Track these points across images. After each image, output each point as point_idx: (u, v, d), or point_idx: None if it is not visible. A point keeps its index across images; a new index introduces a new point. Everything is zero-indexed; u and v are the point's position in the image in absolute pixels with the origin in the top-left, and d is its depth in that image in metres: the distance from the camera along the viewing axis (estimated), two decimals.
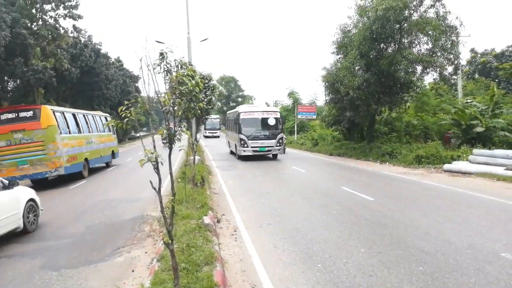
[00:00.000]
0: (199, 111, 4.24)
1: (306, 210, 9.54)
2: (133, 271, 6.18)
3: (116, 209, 10.88)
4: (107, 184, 16.15)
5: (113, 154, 23.76)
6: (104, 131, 21.89)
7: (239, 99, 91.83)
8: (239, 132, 22.54)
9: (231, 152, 26.89)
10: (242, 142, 22.29)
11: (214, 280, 4.81)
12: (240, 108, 25.43)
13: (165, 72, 4.55)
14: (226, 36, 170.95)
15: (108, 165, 23.13)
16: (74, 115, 18.48)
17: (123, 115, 4.10)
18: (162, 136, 4.44)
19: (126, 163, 24.55)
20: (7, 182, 8.52)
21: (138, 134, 64.07)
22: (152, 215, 9.58)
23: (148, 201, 10.79)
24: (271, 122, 22.93)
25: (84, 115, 19.83)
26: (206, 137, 53.32)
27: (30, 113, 15.11)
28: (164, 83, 4.62)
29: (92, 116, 21.17)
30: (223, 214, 9.39)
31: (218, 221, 8.65)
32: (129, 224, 9.16)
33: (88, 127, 19.56)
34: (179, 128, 4.37)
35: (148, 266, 6.10)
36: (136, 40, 4.16)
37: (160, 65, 4.50)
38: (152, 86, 4.28)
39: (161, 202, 4.09)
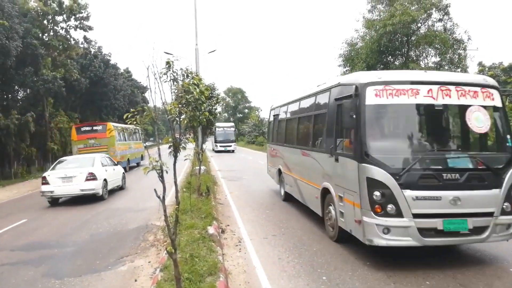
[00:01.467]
0: (204, 120, 4.22)
1: (309, 222, 9.44)
2: (136, 280, 6.14)
3: (121, 218, 10.87)
4: (112, 193, 16.15)
5: (142, 157, 29.58)
6: (137, 140, 29.22)
7: (246, 110, 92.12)
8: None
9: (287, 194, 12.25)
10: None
11: None
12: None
13: (171, 80, 4.58)
14: (234, 48, 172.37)
15: (138, 164, 28.80)
16: (122, 128, 25.55)
17: (128, 122, 4.11)
18: (168, 145, 4.45)
19: (132, 172, 24.60)
20: (115, 162, 16.56)
21: (145, 144, 64.38)
22: (156, 225, 9.55)
23: (153, 211, 10.77)
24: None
25: (126, 128, 25.78)
26: (217, 151, 43.63)
27: (100, 127, 23.01)
28: (171, 92, 4.65)
29: (127, 128, 26.12)
30: (228, 225, 9.33)
31: (223, 232, 8.60)
32: (133, 234, 9.14)
33: (128, 136, 26.23)
34: (185, 137, 4.37)
35: (151, 276, 6.05)
36: (145, 51, 4.20)
37: (166, 74, 4.53)
38: (159, 94, 4.31)
39: (165, 211, 4.07)
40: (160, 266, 5.94)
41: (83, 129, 23.02)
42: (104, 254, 7.66)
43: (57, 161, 15.15)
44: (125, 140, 25.75)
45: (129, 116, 4.21)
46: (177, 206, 4.25)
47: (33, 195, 17.23)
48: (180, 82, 4.61)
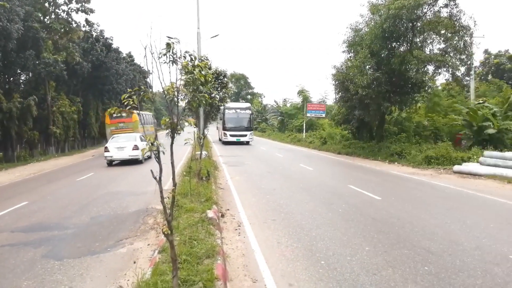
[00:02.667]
0: (203, 102, 4.14)
1: (311, 208, 9.43)
2: (134, 262, 6.15)
3: (121, 202, 10.89)
4: (113, 177, 16.20)
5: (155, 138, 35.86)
6: (151, 124, 35.10)
7: (249, 97, 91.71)
8: None
9: None
10: None
11: (215, 273, 4.75)
12: None
13: (170, 62, 4.48)
14: (237, 33, 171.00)
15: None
16: (142, 114, 29.05)
17: (125, 103, 4.04)
18: (165, 126, 4.38)
19: None
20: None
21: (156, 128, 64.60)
22: (156, 208, 9.56)
23: (153, 195, 10.76)
24: None
25: (145, 115, 33.67)
26: (225, 143, 35.18)
27: (125, 114, 25.96)
28: (169, 73, 4.56)
29: (146, 115, 36.16)
30: (228, 209, 9.33)
31: (223, 216, 8.60)
32: (133, 217, 9.16)
33: (146, 121, 31.98)
34: (182, 118, 4.30)
35: (150, 258, 6.06)
36: (146, 34, 4.10)
37: (166, 55, 4.43)
38: (158, 76, 4.23)
39: (161, 191, 4.03)
40: (159, 248, 5.94)
41: (114, 115, 28.25)
42: (104, 237, 7.68)
43: (111, 138, 22.51)
44: (144, 124, 29.80)
45: (126, 96, 4.14)
46: (173, 188, 4.21)
47: (35, 178, 17.31)
48: (180, 64, 4.51)
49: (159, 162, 3.97)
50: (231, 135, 34.88)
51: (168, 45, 4.37)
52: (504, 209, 9.19)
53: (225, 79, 13.16)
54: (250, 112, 37.04)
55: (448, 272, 5.32)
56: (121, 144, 20.26)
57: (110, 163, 20.53)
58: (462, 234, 7.08)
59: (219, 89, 13.16)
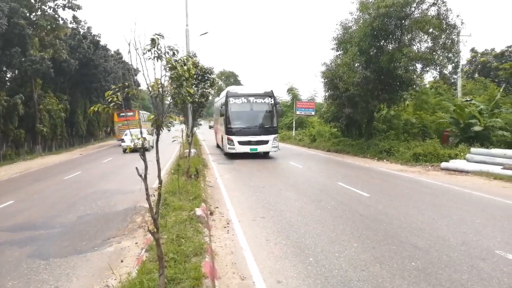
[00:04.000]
0: (188, 98, 4.11)
1: (300, 205, 9.44)
2: (122, 261, 6.10)
3: (109, 200, 10.79)
4: (101, 176, 16.03)
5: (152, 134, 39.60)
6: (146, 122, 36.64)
7: None
8: None
9: None
10: None
11: (202, 271, 4.72)
12: None
13: (155, 58, 4.42)
14: (226, 31, 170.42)
15: None
16: (141, 113, 37.09)
17: (109, 99, 3.98)
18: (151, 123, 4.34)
19: (121, 156, 24.43)
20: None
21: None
22: (144, 207, 9.46)
23: (142, 193, 10.64)
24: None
25: (143, 113, 38.85)
26: (232, 155, 20.84)
27: (131, 113, 36.07)
28: (154, 69, 4.49)
29: (144, 113, 39.78)
30: (217, 207, 9.30)
31: (211, 214, 8.56)
32: (121, 215, 9.07)
33: (144, 119, 35.30)
34: (168, 114, 4.25)
35: (137, 257, 6.00)
36: (133, 30, 4.03)
37: (150, 51, 4.37)
38: (142, 72, 4.18)
39: (146, 189, 3.99)
40: (146, 247, 5.89)
41: (121, 114, 34.75)
42: (91, 236, 7.60)
43: (125, 132, 27.98)
44: (144, 121, 33.53)
45: (110, 93, 4.07)
46: (159, 185, 4.16)
47: (21, 177, 17.05)
48: (165, 60, 4.46)
49: (144, 159, 3.92)
50: (240, 142, 19.83)
51: (152, 40, 4.31)
52: (490, 205, 9.31)
53: (211, 76, 13.00)
54: (273, 102, 20.76)
55: (435, 268, 5.37)
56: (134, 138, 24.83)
57: (125, 151, 22.91)
58: (448, 230, 7.15)
59: (203, 85, 12.87)
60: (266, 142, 20.09)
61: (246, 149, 19.91)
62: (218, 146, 27.14)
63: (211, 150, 25.98)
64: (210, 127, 69.75)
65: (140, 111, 37.56)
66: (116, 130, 36.71)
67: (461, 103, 21.74)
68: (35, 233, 8.01)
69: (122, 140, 26.06)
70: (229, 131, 20.18)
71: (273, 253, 6.14)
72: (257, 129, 20.24)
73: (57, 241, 7.44)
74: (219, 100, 25.46)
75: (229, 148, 20.21)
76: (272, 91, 21.22)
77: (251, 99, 20.70)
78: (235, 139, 19.91)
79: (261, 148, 20.23)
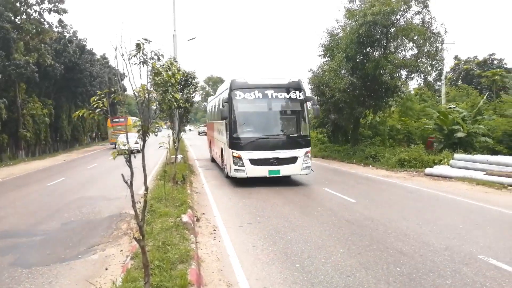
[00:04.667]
0: (175, 103, 4.10)
1: (287, 211, 9.46)
2: (106, 269, 6.01)
3: (93, 207, 10.64)
4: (86, 182, 15.81)
5: None
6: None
7: None
8: None
9: None
10: None
11: (188, 279, 4.68)
12: None
13: (141, 63, 4.41)
14: (214, 36, 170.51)
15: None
16: (132, 119, 39.68)
17: (95, 105, 3.95)
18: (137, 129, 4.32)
19: (106, 162, 24.15)
20: None
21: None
22: (130, 213, 9.36)
23: (127, 200, 10.53)
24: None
25: (134, 120, 40.09)
26: (240, 180, 13.28)
27: (123, 119, 36.91)
28: (140, 74, 4.48)
29: (135, 119, 40.52)
30: (203, 213, 9.25)
31: (198, 220, 8.51)
32: (106, 222, 8.96)
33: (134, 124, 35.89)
34: (154, 120, 4.23)
35: (122, 264, 5.92)
36: (120, 35, 4.01)
37: (136, 56, 4.36)
38: (128, 77, 4.16)
39: (132, 196, 3.96)
40: (131, 254, 5.82)
41: (114, 120, 37.28)
42: (75, 243, 7.48)
43: (119, 136, 28.37)
44: (135, 127, 38.13)
45: (96, 99, 4.04)
46: (145, 192, 4.13)
47: (3, 183, 16.71)
48: (151, 65, 4.45)
49: (130, 166, 3.89)
50: (254, 161, 12.86)
51: (137, 45, 4.30)
52: (472, 210, 9.47)
53: (194, 80, 12.94)
54: (302, 97, 13.60)
55: (419, 273, 5.43)
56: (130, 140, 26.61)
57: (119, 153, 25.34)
58: (432, 235, 7.25)
59: (188, 89, 12.83)
60: (293, 160, 12.81)
61: (262, 171, 12.68)
62: (213, 160, 20.25)
63: (198, 157, 25.78)
64: (199, 133, 68.90)
65: (132, 117, 40.89)
66: (109, 135, 39.66)
67: (445, 109, 22.12)
68: (17, 240, 7.84)
69: (116, 144, 27.53)
70: (235, 144, 12.72)
71: (260, 260, 6.13)
72: (280, 140, 12.94)
73: (40, 249, 7.30)
74: (217, 97, 17.96)
75: (235, 170, 12.73)
76: (300, 80, 13.61)
77: (269, 92, 13.06)
78: (246, 156, 12.53)
79: (286, 170, 12.85)
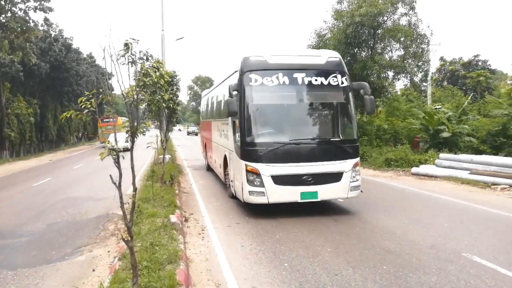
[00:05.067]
0: (163, 104, 4.10)
1: (274, 211, 9.47)
2: (93, 270, 5.97)
3: (80, 208, 10.53)
4: (72, 183, 15.63)
5: None
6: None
7: None
8: None
9: None
10: None
11: (177, 279, 4.68)
12: None
13: (129, 63, 4.40)
14: (203, 36, 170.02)
15: None
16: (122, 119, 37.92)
17: (82, 106, 3.92)
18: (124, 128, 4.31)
19: (93, 162, 23.90)
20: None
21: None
22: (117, 214, 9.30)
23: (114, 200, 10.43)
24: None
25: (123, 120, 37.78)
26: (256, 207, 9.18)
27: (112, 119, 33.59)
28: (128, 75, 4.46)
29: (125, 119, 37.45)
30: (192, 213, 9.23)
31: (186, 220, 8.49)
32: (93, 223, 8.88)
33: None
34: (142, 121, 4.22)
35: (110, 265, 5.88)
36: (107, 35, 3.99)
37: (124, 56, 4.34)
38: (117, 78, 4.15)
39: (121, 197, 3.94)
40: (119, 255, 5.78)
41: (104, 120, 36.82)
42: (61, 244, 7.40)
43: (111, 135, 23.43)
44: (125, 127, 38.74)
45: (83, 99, 4.01)
46: (134, 193, 4.12)
47: None
48: (139, 65, 4.44)
49: (118, 167, 3.87)
50: (280, 180, 8.36)
51: (126, 45, 4.28)
52: (457, 209, 9.65)
53: (175, 79, 12.81)
54: (346, 83, 9.03)
55: (405, 271, 5.52)
56: (118, 138, 25.30)
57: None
58: (418, 234, 7.36)
59: (174, 89, 12.72)
60: (336, 176, 8.72)
61: (291, 194, 8.51)
62: (209, 168, 16.20)
63: (186, 157, 25.65)
64: (189, 133, 67.95)
65: (122, 117, 40.42)
66: (100, 134, 40.86)
67: (430, 110, 22.44)
68: (2, 242, 7.73)
69: (109, 142, 32.26)
70: (249, 153, 8.62)
71: (248, 259, 6.15)
72: (316, 147, 8.92)
73: (25, 250, 7.21)
74: (217, 87, 13.61)
75: (250, 192, 8.55)
76: (341, 60, 9.50)
77: (300, 77, 8.85)
78: (266, 170, 8.41)
79: (326, 192, 8.68)
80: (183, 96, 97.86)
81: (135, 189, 4.14)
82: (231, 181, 10.09)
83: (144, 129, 4.49)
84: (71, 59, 38.66)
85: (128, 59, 4.34)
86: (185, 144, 39.27)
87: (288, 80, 8.61)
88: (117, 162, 3.90)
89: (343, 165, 8.65)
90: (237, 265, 5.88)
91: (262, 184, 8.29)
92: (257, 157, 8.36)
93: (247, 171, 8.41)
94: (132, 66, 4.37)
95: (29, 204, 11.45)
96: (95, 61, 50.93)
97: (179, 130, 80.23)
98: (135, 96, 4.17)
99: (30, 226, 8.90)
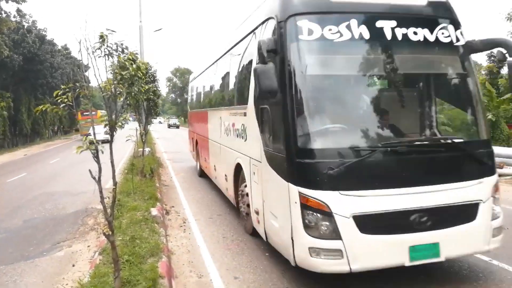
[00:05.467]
0: (142, 97, 4.07)
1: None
2: (73, 265, 5.92)
3: (58, 203, 10.37)
4: (49, 177, 15.32)
5: None
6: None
7: None
8: None
9: None
10: None
11: (159, 272, 4.69)
12: None
13: (105, 56, 4.33)
14: (182, 27, 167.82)
15: None
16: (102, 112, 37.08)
17: (59, 100, 3.86)
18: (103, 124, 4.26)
19: (69, 156, 23.43)
20: None
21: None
22: (97, 208, 9.20)
23: (93, 194, 10.29)
24: None
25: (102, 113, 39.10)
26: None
27: (94, 112, 31.64)
28: (105, 68, 4.41)
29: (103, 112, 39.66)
30: (173, 206, 9.21)
31: (167, 213, 8.48)
32: (72, 218, 8.77)
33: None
34: (121, 114, 4.19)
35: (90, 260, 5.85)
36: (83, 26, 3.91)
37: (100, 49, 4.27)
38: (93, 71, 4.09)
39: (101, 192, 3.91)
40: (99, 249, 5.74)
41: (84, 113, 35.76)
42: (39, 240, 7.29)
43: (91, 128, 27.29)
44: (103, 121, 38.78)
45: (59, 93, 3.94)
46: (114, 187, 4.10)
47: None
48: (116, 58, 4.38)
49: (97, 161, 3.84)
50: (369, 221, 4.07)
51: (101, 37, 4.22)
52: None
53: (150, 70, 12.60)
54: (462, 40, 4.79)
55: None
56: (98, 131, 24.79)
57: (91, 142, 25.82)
58: None
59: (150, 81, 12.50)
60: (468, 212, 4.40)
61: (393, 252, 4.15)
62: (203, 174, 12.40)
63: (166, 149, 25.40)
64: (170, 125, 65.69)
65: (101, 110, 40.51)
66: (80, 128, 40.25)
67: None
68: None
69: (89, 134, 32.42)
70: (305, 169, 4.28)
71: (230, 250, 6.21)
72: (429, 155, 4.52)
73: (1, 247, 7.08)
74: (225, 56, 8.58)
75: (314, 248, 4.12)
76: (448, 2, 5.04)
77: (386, 26, 4.56)
78: (345, 207, 4.07)
79: (451, 243, 4.29)
80: (162, 88, 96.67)
81: (115, 184, 4.12)
82: (255, 211, 5.83)
83: (123, 122, 4.45)
84: (45, 51, 37.59)
85: (105, 51, 4.28)
86: (165, 136, 38.89)
87: (369, 33, 4.53)
88: (96, 157, 3.86)
89: (479, 190, 4.47)
90: (219, 256, 5.93)
91: (335, 233, 4.08)
92: (324, 179, 4.14)
93: (303, 206, 4.17)
94: (108, 59, 4.31)
95: (4, 200, 11.20)
96: (70, 53, 49.65)
97: (160, 122, 78.79)
98: (113, 90, 4.12)
99: (6, 222, 8.71)
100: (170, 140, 33.08)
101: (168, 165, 16.99)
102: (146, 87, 9.97)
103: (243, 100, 6.34)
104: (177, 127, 62.41)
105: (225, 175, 8.02)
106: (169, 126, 64.89)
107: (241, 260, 5.74)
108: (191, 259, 5.89)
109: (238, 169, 6.78)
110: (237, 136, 6.86)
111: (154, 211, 7.38)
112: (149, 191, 9.09)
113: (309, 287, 4.13)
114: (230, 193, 7.81)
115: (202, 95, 12.07)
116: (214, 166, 9.55)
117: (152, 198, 8.55)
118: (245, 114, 6.26)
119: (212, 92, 10.25)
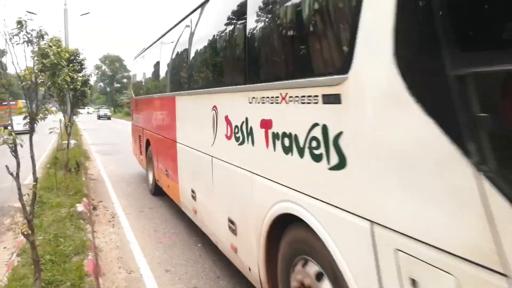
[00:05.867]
0: (66, 86, 3.86)
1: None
2: None
3: None
4: None
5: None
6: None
7: (125, 80, 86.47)
8: None
9: None
10: None
11: (85, 270, 4.53)
12: None
13: (25, 43, 4.05)
14: (110, 12, 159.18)
15: None
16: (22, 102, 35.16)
17: None
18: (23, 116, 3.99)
19: None
20: None
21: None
22: (14, 206, 8.50)
23: (10, 192, 9.52)
24: None
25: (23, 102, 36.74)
26: None
27: (13, 102, 28.13)
28: (24, 56, 4.11)
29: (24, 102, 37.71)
30: (101, 201, 8.87)
31: (95, 208, 8.16)
32: None
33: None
34: (43, 106, 3.95)
35: (7, 263, 5.45)
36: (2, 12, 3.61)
37: (18, 35, 3.98)
38: (11, 59, 3.80)
39: (19, 188, 3.68)
40: (18, 250, 5.38)
41: (3, 103, 31.47)
42: None
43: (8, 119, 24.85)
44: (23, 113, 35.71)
45: None
46: (34, 184, 3.87)
47: None
48: (36, 45, 4.11)
49: (16, 156, 3.60)
50: None
51: (19, 23, 3.93)
52: None
53: (79, 57, 11.85)
54: None
55: None
56: (17, 122, 23.05)
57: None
58: None
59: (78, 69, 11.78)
60: None
61: None
62: (159, 191, 8.73)
63: (94, 141, 24.13)
64: (100, 116, 60.72)
65: (22, 100, 37.80)
66: None
67: None
68: None
69: (5, 127, 30.29)
70: None
71: (162, 243, 6.17)
72: None
73: None
74: None
75: None
76: None
77: None
78: None
79: None
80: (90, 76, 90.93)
81: (36, 179, 3.89)
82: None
83: (46, 113, 4.20)
84: None
85: (23, 38, 3.99)
86: (91, 127, 36.88)
87: None
88: (14, 151, 3.61)
89: None
90: (150, 250, 5.87)
91: None
92: None
93: None
94: (28, 46, 4.04)
95: None
96: None
97: (88, 113, 73.40)
98: (34, 79, 3.86)
99: None
100: (96, 131, 31.51)
101: (96, 158, 16.21)
102: (74, 76, 9.42)
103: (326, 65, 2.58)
104: (109, 118, 58.64)
105: (234, 229, 4.18)
106: (99, 117, 59.71)
107: (173, 253, 5.74)
108: (120, 255, 5.76)
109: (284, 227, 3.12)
110: (296, 152, 2.73)
111: (80, 207, 7.05)
112: (75, 186, 8.65)
113: (241, 275, 4.30)
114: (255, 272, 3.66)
115: (168, 70, 7.40)
116: (193, 193, 5.61)
117: (77, 193, 8.15)
118: (335, 99, 2.24)
119: (199, 59, 5.47)
